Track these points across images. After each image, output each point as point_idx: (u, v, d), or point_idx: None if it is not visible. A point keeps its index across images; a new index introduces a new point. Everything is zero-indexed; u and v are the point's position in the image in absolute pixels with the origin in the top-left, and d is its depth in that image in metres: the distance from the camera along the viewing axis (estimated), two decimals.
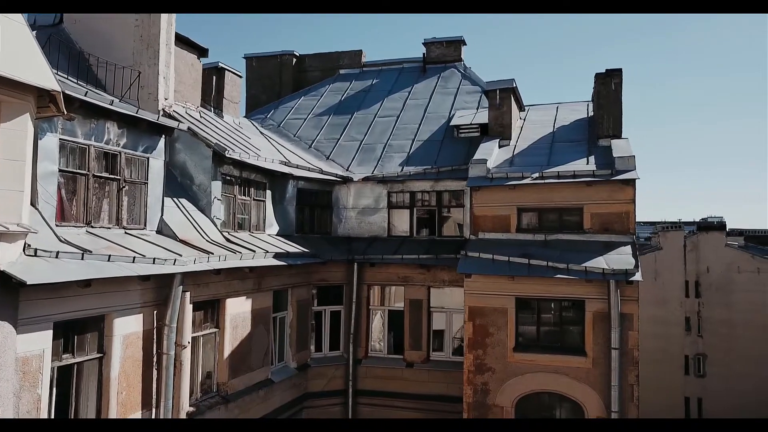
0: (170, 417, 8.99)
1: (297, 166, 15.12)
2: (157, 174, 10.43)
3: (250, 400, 11.71)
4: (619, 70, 12.98)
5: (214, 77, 16.78)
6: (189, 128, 12.22)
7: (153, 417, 8.88)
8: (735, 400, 40.80)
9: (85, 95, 8.48)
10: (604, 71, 13.06)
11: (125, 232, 9.50)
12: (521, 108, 16.18)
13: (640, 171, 11.26)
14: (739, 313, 42.32)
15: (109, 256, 7.66)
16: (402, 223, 15.64)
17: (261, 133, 17.92)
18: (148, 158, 10.22)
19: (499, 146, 14.04)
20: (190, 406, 10.03)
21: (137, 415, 8.63)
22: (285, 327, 13.63)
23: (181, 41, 14.00)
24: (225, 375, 10.99)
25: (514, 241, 12.06)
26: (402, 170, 15.64)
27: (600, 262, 10.82)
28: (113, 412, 8.12)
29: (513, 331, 11.52)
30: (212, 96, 16.79)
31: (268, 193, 14.29)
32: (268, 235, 13.96)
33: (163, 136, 10.57)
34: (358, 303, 14.73)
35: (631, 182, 11.39)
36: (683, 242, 44.50)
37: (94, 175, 9.01)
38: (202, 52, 14.86)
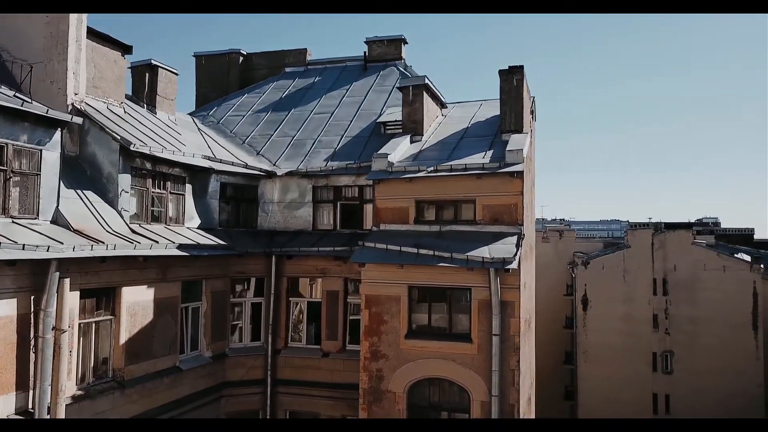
0: (48, 399, 9.31)
1: (221, 161, 15.44)
2: (52, 166, 10.74)
3: (152, 386, 12.04)
4: (521, 67, 13.37)
5: (147, 74, 17.11)
6: (98, 122, 12.56)
7: (30, 398, 9.21)
8: (702, 396, 41.39)
9: None
10: (507, 68, 13.45)
11: (12, 221, 9.81)
12: (443, 105, 16.57)
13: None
14: (705, 310, 42.90)
15: None
16: (327, 216, 16.00)
17: (199, 129, 18.25)
18: (41, 150, 10.53)
19: (411, 141, 14.42)
20: (79, 390, 10.39)
21: (11, 395, 8.97)
22: (199, 317, 13.96)
23: (103, 39, 14.30)
24: (121, 361, 11.32)
25: (411, 232, 12.44)
26: (326, 165, 16.00)
27: (483, 252, 11.20)
28: None
29: (406, 318, 11.89)
30: (145, 93, 17.14)
31: (188, 186, 14.59)
32: (187, 228, 14.27)
33: (59, 129, 10.89)
34: (277, 295, 15.09)
35: (519, 175, 11.78)
36: (651, 240, 45.00)
37: None
38: (126, 49, 15.09)
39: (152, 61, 16.99)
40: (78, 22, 12.74)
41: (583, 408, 45.45)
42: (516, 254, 10.96)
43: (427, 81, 14.56)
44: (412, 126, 14.57)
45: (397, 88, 15.55)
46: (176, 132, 16.34)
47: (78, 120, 11.18)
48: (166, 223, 13.79)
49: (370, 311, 12.09)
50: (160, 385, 12.30)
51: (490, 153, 12.69)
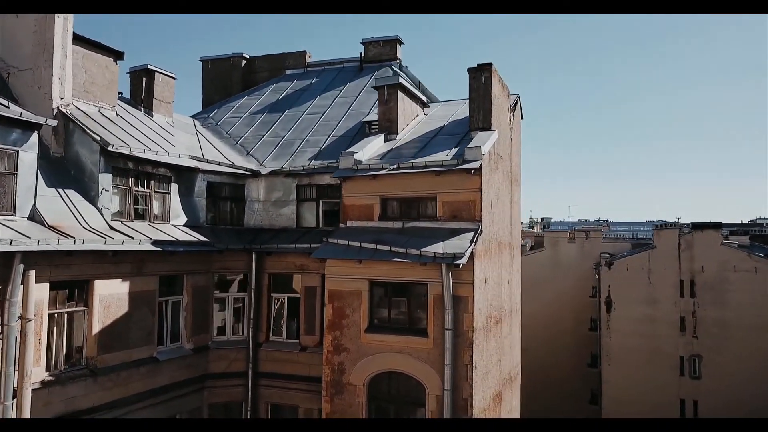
0: (14, 383, 9.97)
1: (207, 161, 16.02)
2: (29, 166, 11.45)
3: (127, 375, 12.64)
4: (489, 65, 13.41)
5: (145, 79, 17.89)
6: (80, 124, 13.27)
7: None
8: (731, 402, 40.01)
9: None
10: (476, 65, 13.51)
11: None
12: (425, 104, 16.71)
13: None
14: (735, 313, 41.51)
15: None
16: (310, 214, 16.37)
17: (196, 130, 18.94)
18: (17, 151, 11.25)
19: (386, 140, 14.64)
20: (50, 376, 11.06)
21: None
22: (180, 310, 14.53)
23: (95, 46, 15.06)
24: (94, 350, 11.94)
25: (375, 229, 12.67)
26: (309, 164, 16.38)
27: (437, 247, 11.33)
28: None
29: (366, 313, 12.14)
30: (143, 96, 17.92)
31: (174, 185, 15.19)
32: (172, 225, 14.87)
33: (36, 131, 11.60)
34: (258, 290, 15.55)
35: (477, 171, 11.85)
36: (677, 241, 43.79)
37: None
38: (118, 55, 15.84)
39: (149, 66, 17.74)
40: (63, 30, 13.50)
41: (607, 412, 44.52)
42: (467, 250, 11.05)
43: (401, 80, 14.76)
44: (387, 125, 14.80)
45: (372, 87, 15.78)
46: (169, 134, 17.00)
47: (52, 122, 11.87)
48: (150, 221, 14.39)
49: (333, 306, 12.39)
50: (136, 374, 12.89)
51: (454, 150, 12.79)
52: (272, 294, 15.68)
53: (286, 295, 15.63)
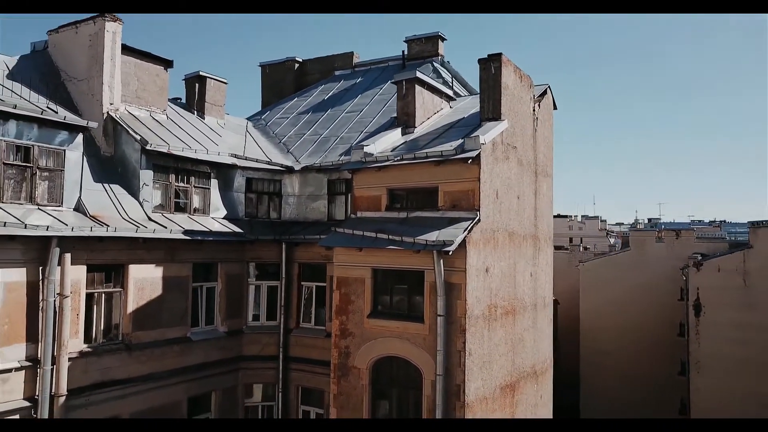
0: (51, 351, 11.46)
1: (246, 158, 17.22)
2: (75, 163, 13.08)
3: (161, 352, 13.98)
4: (499, 55, 13.35)
5: (197, 84, 19.52)
6: (126, 126, 14.83)
7: (38, 349, 11.42)
8: None
9: None
10: (486, 56, 13.53)
11: (38, 208, 12.19)
12: (450, 98, 16.84)
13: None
14: None
15: None
16: (340, 208, 17.10)
17: (246, 131, 20.35)
18: (64, 150, 12.89)
19: (404, 133, 15.00)
20: (88, 347, 12.55)
21: (23, 345, 11.24)
22: (215, 296, 15.76)
23: (146, 56, 16.73)
24: (129, 327, 13.35)
25: (380, 219, 13.08)
26: (339, 159, 17.09)
27: (432, 235, 11.54)
28: None
29: (369, 299, 12.58)
30: (195, 101, 19.55)
31: (214, 181, 16.50)
32: (211, 218, 16.18)
33: (80, 133, 13.20)
34: (289, 279, 16.47)
35: (475, 161, 11.91)
36: None
37: (4, 163, 11.80)
38: (167, 63, 17.43)
39: (200, 73, 19.35)
40: (112, 43, 15.18)
41: None
42: (458, 237, 11.17)
43: (419, 74, 15.02)
44: (405, 118, 15.15)
45: (391, 82, 16.17)
46: (216, 134, 18.41)
47: (93, 125, 13.42)
48: (190, 213, 15.75)
49: (340, 292, 12.97)
50: (170, 351, 14.21)
51: (459, 141, 12.91)
52: (302, 282, 16.52)
53: (314, 283, 16.41)
